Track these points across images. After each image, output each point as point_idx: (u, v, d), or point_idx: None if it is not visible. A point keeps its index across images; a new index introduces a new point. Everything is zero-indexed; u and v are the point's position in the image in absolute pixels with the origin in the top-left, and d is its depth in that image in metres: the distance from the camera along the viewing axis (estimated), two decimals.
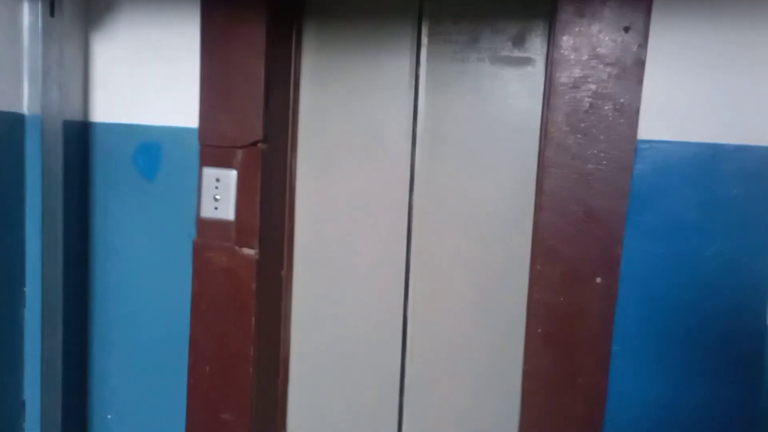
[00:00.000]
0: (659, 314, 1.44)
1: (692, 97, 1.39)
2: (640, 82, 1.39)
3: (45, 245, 1.61)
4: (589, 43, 1.41)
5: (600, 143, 1.42)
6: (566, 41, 1.42)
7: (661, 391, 1.45)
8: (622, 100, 1.40)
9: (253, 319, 1.68)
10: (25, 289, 1.63)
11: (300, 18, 1.79)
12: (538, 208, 1.53)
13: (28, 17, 1.58)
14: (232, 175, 1.67)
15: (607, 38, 1.39)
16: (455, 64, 1.69)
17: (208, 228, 1.69)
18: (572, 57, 1.42)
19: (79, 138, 1.75)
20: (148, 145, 1.75)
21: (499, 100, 1.67)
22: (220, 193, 1.68)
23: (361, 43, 1.76)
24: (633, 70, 1.39)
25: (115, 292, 1.82)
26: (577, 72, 1.42)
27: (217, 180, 1.68)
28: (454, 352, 1.76)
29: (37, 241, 1.59)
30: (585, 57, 1.41)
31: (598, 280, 1.45)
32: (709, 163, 1.39)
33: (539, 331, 1.49)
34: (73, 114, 1.72)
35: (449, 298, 1.75)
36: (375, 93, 1.75)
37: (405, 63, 1.73)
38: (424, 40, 1.71)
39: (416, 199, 1.74)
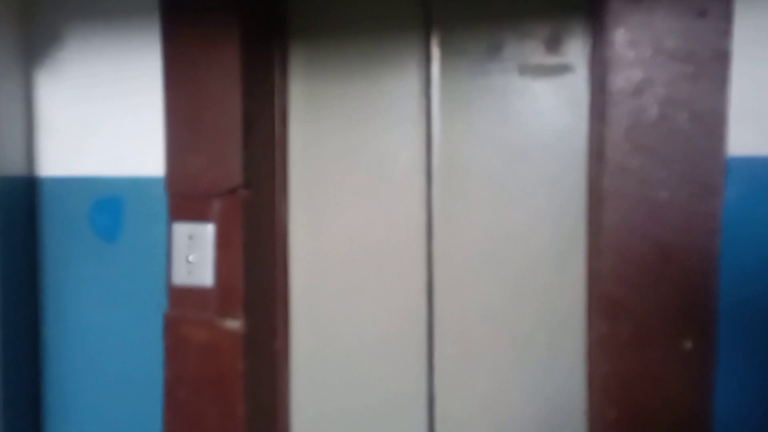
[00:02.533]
0: None
1: None
2: (724, 80, 1.09)
3: None
4: (652, 35, 1.11)
5: (675, 164, 1.11)
6: (621, 35, 1.11)
7: None
8: (701, 106, 1.09)
9: (242, 407, 1.41)
10: None
11: (283, 36, 1.57)
12: (595, 250, 1.21)
13: None
14: (208, 230, 1.42)
15: (676, 27, 1.09)
16: (474, 78, 1.43)
17: (181, 297, 1.44)
18: (630, 55, 1.11)
19: (22, 197, 1.50)
20: (106, 201, 1.51)
21: (532, 119, 1.40)
22: (195, 254, 1.43)
23: (359, 62, 1.52)
24: (714, 66, 1.09)
25: (71, 383, 1.54)
26: (637, 74, 1.11)
27: (190, 237, 1.43)
28: None
29: None
30: (648, 54, 1.10)
31: (688, 344, 1.11)
32: None
33: (613, 415, 1.14)
34: (12, 168, 1.47)
35: (484, 367, 1.46)
36: (379, 121, 1.51)
37: (413, 82, 1.48)
38: (435, 52, 1.44)
39: (436, 244, 1.48)
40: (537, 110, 1.38)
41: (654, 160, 1.12)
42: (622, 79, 1.13)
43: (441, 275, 1.48)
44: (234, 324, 1.39)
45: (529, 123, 1.39)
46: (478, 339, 1.45)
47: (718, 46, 1.07)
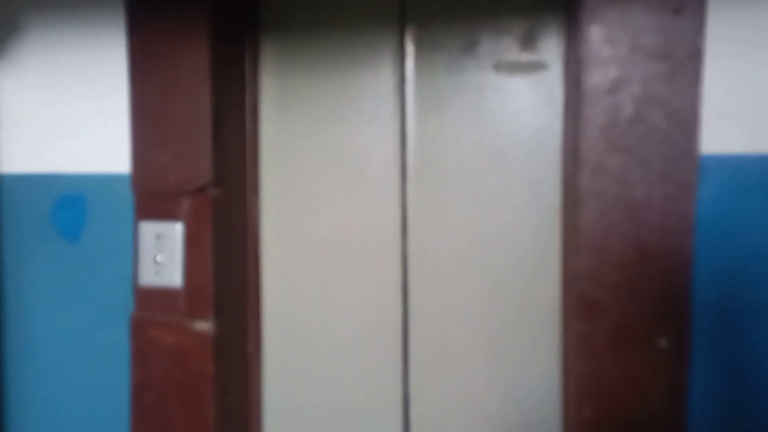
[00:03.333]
0: (749, 388, 1.10)
1: None
2: (698, 79, 1.08)
3: None
4: (628, 32, 1.09)
5: (651, 162, 1.11)
6: (597, 32, 1.10)
7: None
8: (677, 104, 1.08)
9: (212, 412, 1.36)
10: None
11: (255, 30, 1.52)
12: (572, 249, 1.20)
13: None
14: (177, 229, 1.37)
15: (652, 24, 1.08)
16: (450, 75, 1.41)
17: (149, 298, 1.39)
18: (606, 53, 1.10)
19: None
20: (69, 199, 1.44)
21: (507, 116, 1.38)
22: (163, 254, 1.38)
23: (332, 57, 1.48)
24: (688, 64, 1.08)
25: (33, 389, 1.48)
26: (613, 71, 1.10)
27: (158, 237, 1.38)
28: None
29: None
30: (624, 51, 1.09)
31: (663, 342, 1.10)
32: None
33: (589, 414, 1.13)
34: None
35: (460, 367, 1.44)
36: (353, 117, 1.47)
37: (388, 78, 1.45)
38: (410, 48, 1.41)
39: (412, 243, 1.46)
40: (512, 107, 1.36)
41: (630, 158, 1.11)
42: (597, 76, 1.12)
43: (416, 274, 1.45)
44: (204, 326, 1.35)
45: (504, 120, 1.37)
46: (454, 338, 1.43)
47: (692, 43, 1.07)
